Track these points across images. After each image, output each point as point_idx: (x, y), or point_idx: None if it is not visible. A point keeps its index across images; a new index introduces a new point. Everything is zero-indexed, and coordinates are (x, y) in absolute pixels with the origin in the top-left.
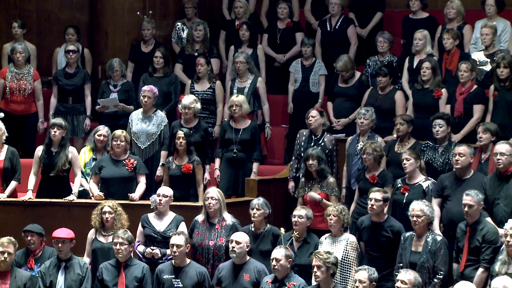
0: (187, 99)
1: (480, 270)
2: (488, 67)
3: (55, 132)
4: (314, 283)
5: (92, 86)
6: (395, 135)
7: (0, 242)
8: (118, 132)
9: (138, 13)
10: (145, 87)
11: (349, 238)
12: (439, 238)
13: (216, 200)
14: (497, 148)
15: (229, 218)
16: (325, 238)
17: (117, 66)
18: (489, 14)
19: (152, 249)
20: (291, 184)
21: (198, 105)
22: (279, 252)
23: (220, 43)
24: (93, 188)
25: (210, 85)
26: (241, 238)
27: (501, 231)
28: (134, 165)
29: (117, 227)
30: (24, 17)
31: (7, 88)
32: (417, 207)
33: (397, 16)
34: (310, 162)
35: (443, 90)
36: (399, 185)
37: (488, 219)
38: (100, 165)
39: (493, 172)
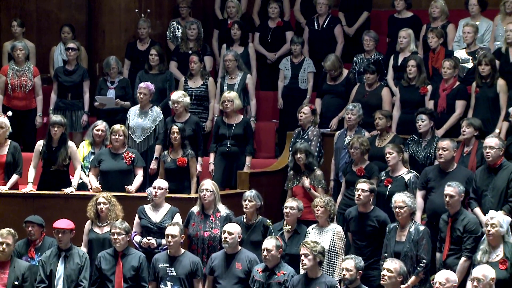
0: (175, 94)
1: (463, 259)
2: (470, 65)
3: (55, 130)
4: (302, 271)
5: (90, 83)
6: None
7: (0, 233)
8: (117, 126)
9: (136, 10)
10: (142, 84)
11: (335, 228)
12: (421, 228)
13: (210, 192)
14: (487, 142)
15: (223, 210)
16: (312, 229)
17: (114, 63)
18: (473, 13)
19: (148, 239)
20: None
21: (187, 99)
22: (270, 243)
23: (213, 41)
24: (92, 181)
25: (203, 81)
26: (233, 228)
27: (484, 218)
28: (132, 158)
29: (112, 218)
30: (25, 17)
31: (9, 85)
32: (399, 198)
33: (383, 16)
34: (298, 155)
35: (429, 87)
36: (383, 177)
37: (477, 209)
38: (100, 158)
39: (474, 165)
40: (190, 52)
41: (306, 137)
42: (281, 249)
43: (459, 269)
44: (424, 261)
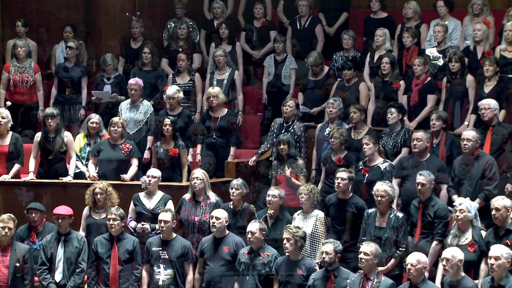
0: (171, 90)
1: (434, 243)
2: (440, 62)
3: (49, 122)
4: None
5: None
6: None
7: (1, 218)
8: (116, 119)
9: (127, 14)
10: (131, 80)
11: (318, 214)
12: (400, 215)
13: (201, 180)
14: (465, 135)
15: (213, 197)
16: (298, 214)
17: (109, 60)
18: (441, 14)
19: (143, 225)
20: (253, 158)
21: (181, 94)
22: (254, 226)
23: (200, 40)
24: (91, 169)
25: (190, 77)
26: (221, 214)
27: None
28: (130, 149)
29: (108, 205)
30: (26, 17)
31: (11, 81)
32: (381, 187)
33: (360, 16)
34: (281, 146)
35: (401, 82)
36: (360, 167)
37: (455, 196)
38: (99, 148)
39: (444, 154)
40: (180, 49)
41: (292, 131)
42: (264, 232)
43: (431, 252)
44: (403, 245)
